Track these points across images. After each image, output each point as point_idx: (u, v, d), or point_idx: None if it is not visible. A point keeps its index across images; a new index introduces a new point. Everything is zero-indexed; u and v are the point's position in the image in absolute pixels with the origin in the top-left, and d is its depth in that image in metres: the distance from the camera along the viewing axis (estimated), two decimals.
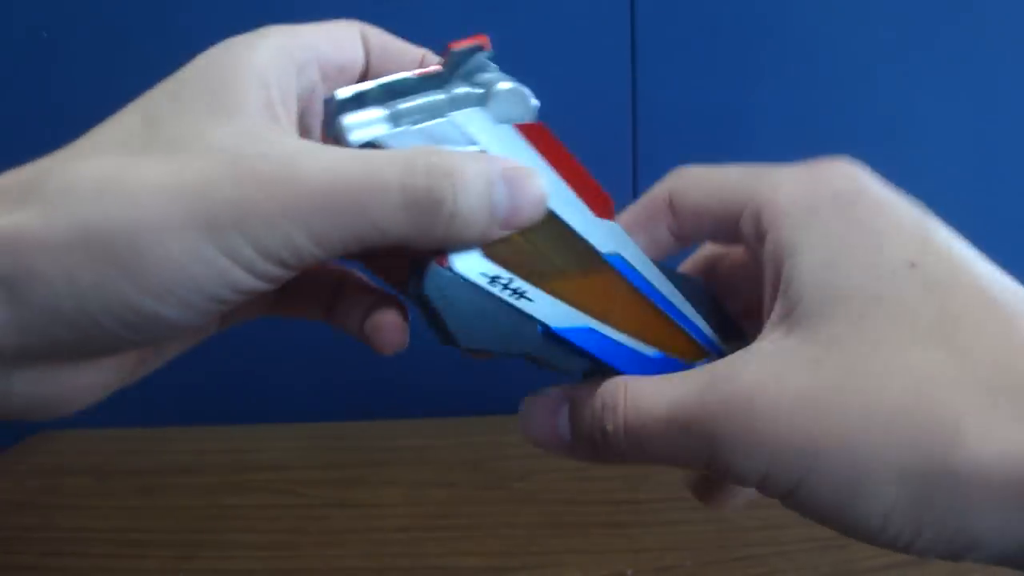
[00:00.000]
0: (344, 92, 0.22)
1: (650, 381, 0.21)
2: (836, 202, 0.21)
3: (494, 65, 0.23)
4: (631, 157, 0.62)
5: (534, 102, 0.23)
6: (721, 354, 0.23)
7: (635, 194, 0.69)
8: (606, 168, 0.71)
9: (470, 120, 0.22)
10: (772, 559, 0.44)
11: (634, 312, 0.23)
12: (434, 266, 0.21)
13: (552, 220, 0.22)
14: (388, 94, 0.22)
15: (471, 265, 0.21)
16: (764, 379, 0.18)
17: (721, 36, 0.61)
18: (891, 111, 0.63)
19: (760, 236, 0.21)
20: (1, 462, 0.64)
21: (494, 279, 0.21)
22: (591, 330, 0.22)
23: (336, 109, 0.22)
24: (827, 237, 0.20)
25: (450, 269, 0.20)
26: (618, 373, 0.23)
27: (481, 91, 0.22)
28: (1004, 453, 0.15)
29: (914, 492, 0.16)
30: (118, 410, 0.70)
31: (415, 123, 0.22)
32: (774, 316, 0.20)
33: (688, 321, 0.23)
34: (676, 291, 0.23)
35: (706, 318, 0.23)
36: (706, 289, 0.24)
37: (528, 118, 0.23)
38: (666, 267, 0.23)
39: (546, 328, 0.22)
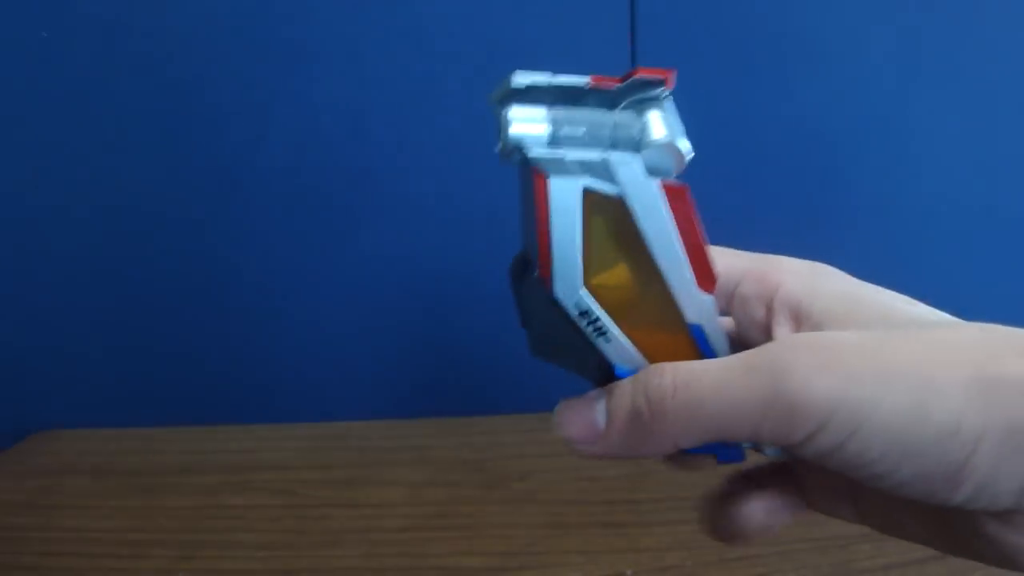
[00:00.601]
0: (520, 78, 0.23)
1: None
2: (830, 269, 0.25)
3: (671, 102, 0.24)
4: None
5: (688, 157, 0.23)
6: None
7: None
8: None
9: (623, 166, 0.22)
10: (772, 559, 0.44)
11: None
12: (536, 276, 0.22)
13: (659, 280, 0.23)
14: (558, 93, 0.23)
15: (568, 294, 0.22)
16: (823, 335, 0.21)
17: (721, 36, 0.61)
18: (891, 111, 0.63)
19: (763, 294, 0.25)
20: (1, 462, 0.64)
21: (584, 313, 0.23)
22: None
23: (507, 94, 0.23)
24: (837, 285, 0.24)
25: (550, 286, 0.22)
26: None
27: (640, 127, 0.23)
28: None
29: (979, 395, 0.18)
30: (118, 410, 0.70)
31: (571, 141, 0.22)
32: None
33: None
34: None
35: None
36: None
37: (675, 170, 0.23)
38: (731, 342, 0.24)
39: (611, 367, 0.23)
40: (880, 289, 0.24)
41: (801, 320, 0.24)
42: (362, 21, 0.60)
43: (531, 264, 0.22)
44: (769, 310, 0.25)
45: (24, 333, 0.68)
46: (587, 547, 0.46)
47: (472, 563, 0.46)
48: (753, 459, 0.26)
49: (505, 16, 0.60)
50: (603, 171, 0.22)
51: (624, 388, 0.22)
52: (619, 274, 0.23)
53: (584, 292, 0.22)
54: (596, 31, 0.60)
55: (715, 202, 0.74)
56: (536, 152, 0.22)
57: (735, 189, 0.63)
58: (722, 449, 0.24)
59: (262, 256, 0.65)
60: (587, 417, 0.23)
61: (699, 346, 0.24)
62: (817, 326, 0.23)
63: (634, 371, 0.23)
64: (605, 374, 0.23)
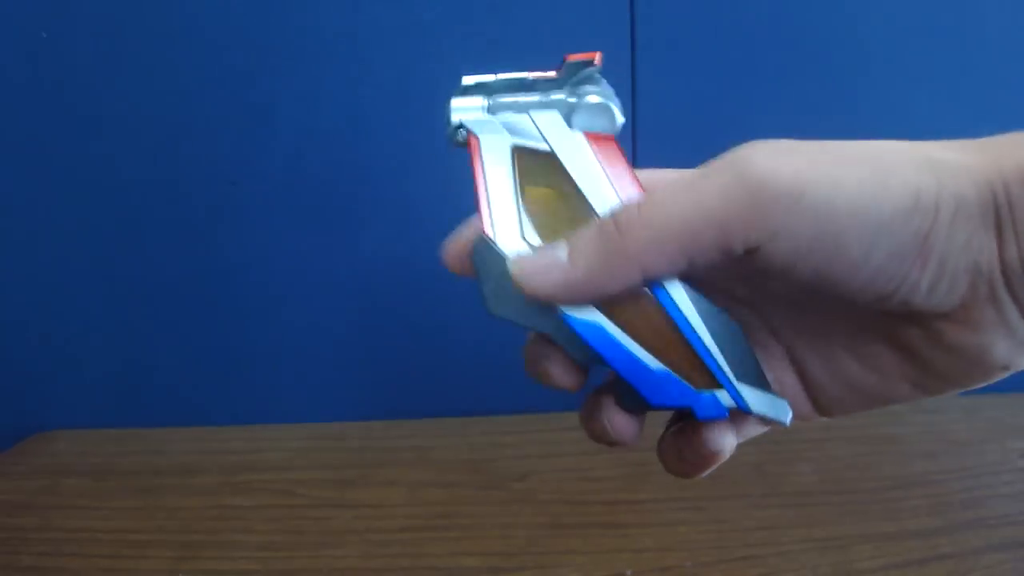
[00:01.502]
0: (469, 79, 0.26)
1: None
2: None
3: (603, 79, 0.26)
4: (631, 157, 0.62)
5: (620, 119, 0.25)
6: (731, 388, 0.23)
7: None
8: None
9: (546, 121, 0.25)
10: (772, 559, 0.44)
11: (651, 325, 0.23)
12: (480, 236, 0.24)
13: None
14: (506, 87, 0.26)
15: (511, 243, 0.23)
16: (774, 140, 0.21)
17: (721, 36, 0.61)
18: (891, 111, 0.63)
19: None
20: (1, 462, 0.64)
21: None
22: (601, 328, 0.23)
23: (456, 91, 0.26)
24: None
25: (491, 241, 0.24)
26: (619, 377, 0.23)
27: (574, 100, 0.25)
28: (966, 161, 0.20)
29: (929, 172, 0.20)
30: (118, 410, 0.70)
31: (505, 111, 0.25)
32: None
33: (705, 350, 0.23)
34: (701, 321, 0.23)
35: (726, 355, 0.23)
36: (739, 331, 0.24)
37: (611, 129, 0.25)
38: (701, 298, 0.23)
39: (561, 314, 0.23)
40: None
41: None
42: (362, 21, 0.60)
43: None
44: None
45: (24, 333, 0.68)
46: (587, 547, 0.46)
47: (472, 563, 0.46)
48: None
49: (505, 16, 0.60)
50: (531, 131, 0.25)
51: (587, 229, 0.22)
52: (559, 222, 0.24)
53: (524, 241, 0.24)
54: (596, 31, 0.60)
55: None
56: (468, 120, 0.25)
57: None
58: (698, 400, 0.23)
59: (262, 256, 0.65)
60: (545, 255, 0.22)
61: (653, 292, 0.23)
62: None
63: (584, 320, 0.23)
64: (554, 323, 0.23)
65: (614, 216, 0.22)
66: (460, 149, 0.26)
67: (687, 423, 0.25)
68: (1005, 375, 0.22)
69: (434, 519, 0.51)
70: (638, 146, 0.62)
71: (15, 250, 0.66)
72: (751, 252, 0.20)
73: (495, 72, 0.26)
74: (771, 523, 0.48)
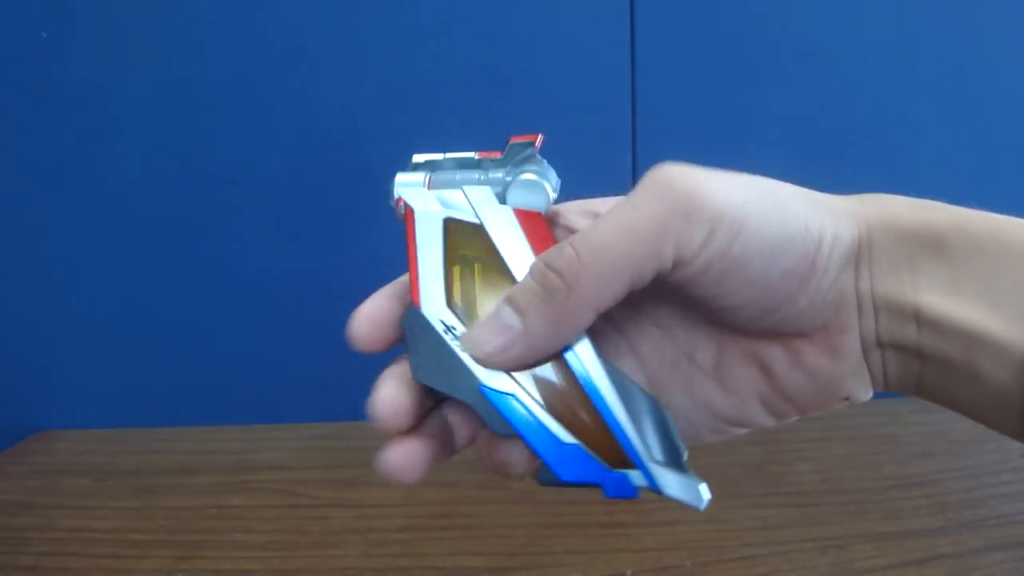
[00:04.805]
0: (419, 157, 0.28)
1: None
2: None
3: (543, 160, 0.27)
4: (631, 157, 0.62)
5: (552, 195, 0.26)
6: (644, 469, 0.23)
7: None
8: (606, 169, 0.71)
9: (476, 195, 0.26)
10: (771, 559, 0.44)
11: (566, 399, 0.23)
12: (411, 305, 0.25)
13: None
14: (452, 165, 0.27)
15: (434, 312, 0.24)
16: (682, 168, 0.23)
17: (721, 36, 0.61)
18: (890, 111, 0.63)
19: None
20: (1, 462, 0.64)
21: (449, 328, 0.24)
22: (515, 399, 0.23)
23: (407, 167, 0.28)
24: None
25: (419, 310, 0.24)
26: (530, 449, 0.24)
27: (510, 177, 0.26)
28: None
29: (815, 210, 0.23)
30: (118, 410, 0.70)
31: (444, 186, 0.27)
32: None
33: (618, 427, 0.23)
34: (617, 397, 0.23)
35: (640, 432, 0.23)
36: (656, 408, 0.24)
37: (543, 207, 0.26)
38: (620, 376, 0.24)
39: (478, 384, 0.23)
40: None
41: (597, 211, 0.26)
42: (362, 21, 0.60)
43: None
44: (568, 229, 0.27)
45: (24, 333, 0.68)
46: (587, 547, 0.46)
47: (472, 563, 0.46)
48: None
49: (505, 16, 0.60)
50: (462, 205, 0.26)
51: (524, 282, 0.23)
52: (483, 293, 0.25)
53: (448, 310, 0.24)
54: (596, 31, 0.60)
55: None
56: (406, 193, 0.27)
57: None
58: (609, 479, 0.23)
59: (262, 255, 0.65)
60: (497, 325, 0.22)
61: (569, 366, 0.24)
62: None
63: (499, 391, 0.23)
64: (472, 391, 0.23)
65: (549, 265, 0.22)
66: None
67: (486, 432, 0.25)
68: (844, 406, 0.25)
69: (434, 519, 0.51)
70: (638, 146, 0.62)
71: (15, 250, 0.66)
72: (675, 268, 0.22)
73: (444, 152, 0.27)
74: (771, 523, 0.48)
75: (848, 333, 0.24)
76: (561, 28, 0.60)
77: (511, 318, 0.22)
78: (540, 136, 0.27)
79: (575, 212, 0.27)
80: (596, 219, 0.22)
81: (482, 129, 0.61)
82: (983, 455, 0.55)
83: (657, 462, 0.23)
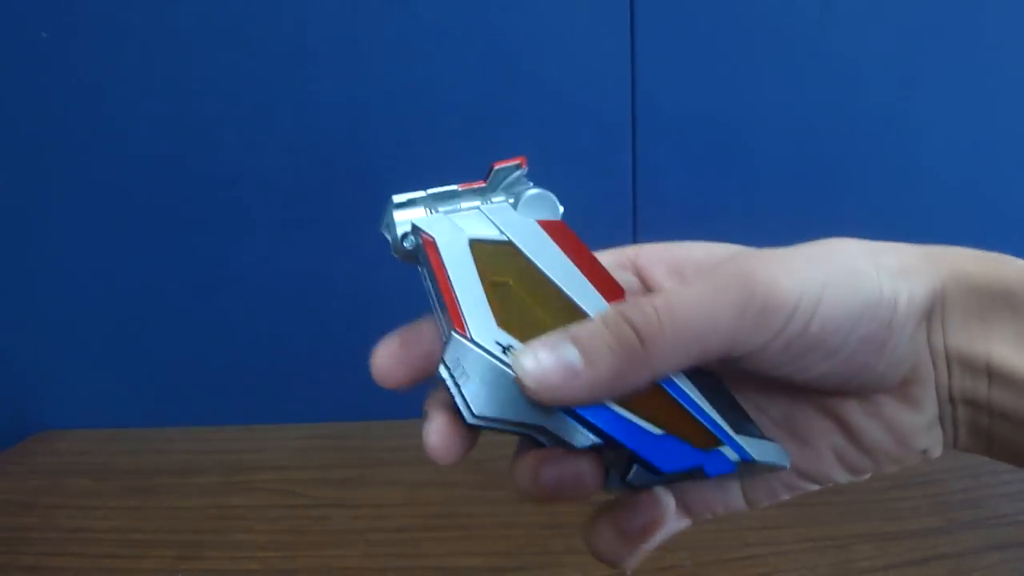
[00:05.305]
0: (399, 197, 0.26)
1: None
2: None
3: (529, 182, 0.26)
4: (631, 157, 0.62)
5: (560, 208, 0.26)
6: (732, 442, 0.23)
7: (635, 195, 0.69)
8: (606, 169, 0.71)
9: (498, 212, 0.25)
10: (771, 559, 0.44)
11: (642, 394, 0.23)
12: (454, 337, 0.22)
13: (567, 303, 0.24)
14: (434, 201, 0.26)
15: (486, 335, 0.23)
16: (755, 252, 0.24)
17: (721, 37, 0.61)
18: (890, 112, 0.63)
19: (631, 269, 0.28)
20: (1, 462, 0.64)
21: (506, 348, 0.22)
22: (604, 407, 0.22)
23: (391, 207, 0.26)
24: (685, 245, 0.28)
25: (466, 337, 0.22)
26: (625, 449, 0.23)
27: (513, 200, 0.26)
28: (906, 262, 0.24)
29: (885, 274, 0.23)
30: (118, 410, 0.70)
31: (449, 211, 0.26)
32: None
33: (699, 409, 0.23)
34: (688, 380, 0.24)
35: (718, 409, 0.24)
36: (719, 382, 0.24)
37: (556, 217, 0.26)
38: None
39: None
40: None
41: (682, 271, 0.27)
42: (362, 21, 0.60)
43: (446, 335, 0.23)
44: (645, 279, 0.28)
45: (24, 333, 0.68)
46: (587, 547, 0.46)
47: (472, 563, 0.46)
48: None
49: (505, 16, 0.60)
50: (483, 223, 0.25)
51: (593, 327, 0.22)
52: (529, 306, 0.24)
53: (500, 329, 0.23)
54: (596, 31, 0.60)
55: (714, 202, 0.74)
56: (420, 222, 0.25)
57: (734, 189, 0.63)
58: (707, 459, 0.23)
59: (262, 256, 0.65)
60: (557, 361, 0.21)
61: None
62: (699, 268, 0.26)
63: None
64: (544, 411, 0.22)
65: (630, 322, 0.22)
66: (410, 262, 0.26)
67: (613, 501, 0.25)
68: (919, 460, 0.25)
69: (434, 519, 0.51)
70: (637, 147, 0.62)
71: (15, 250, 0.66)
72: (750, 355, 0.22)
73: (424, 189, 0.26)
74: (771, 523, 0.48)
75: (925, 385, 0.24)
76: (561, 28, 0.60)
77: (575, 358, 0.21)
78: (524, 158, 0.26)
79: (655, 258, 0.27)
80: (680, 286, 0.23)
81: (482, 129, 0.61)
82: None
83: (740, 434, 0.23)
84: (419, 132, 0.62)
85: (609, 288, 0.24)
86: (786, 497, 0.27)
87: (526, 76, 0.61)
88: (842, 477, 0.26)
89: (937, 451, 0.25)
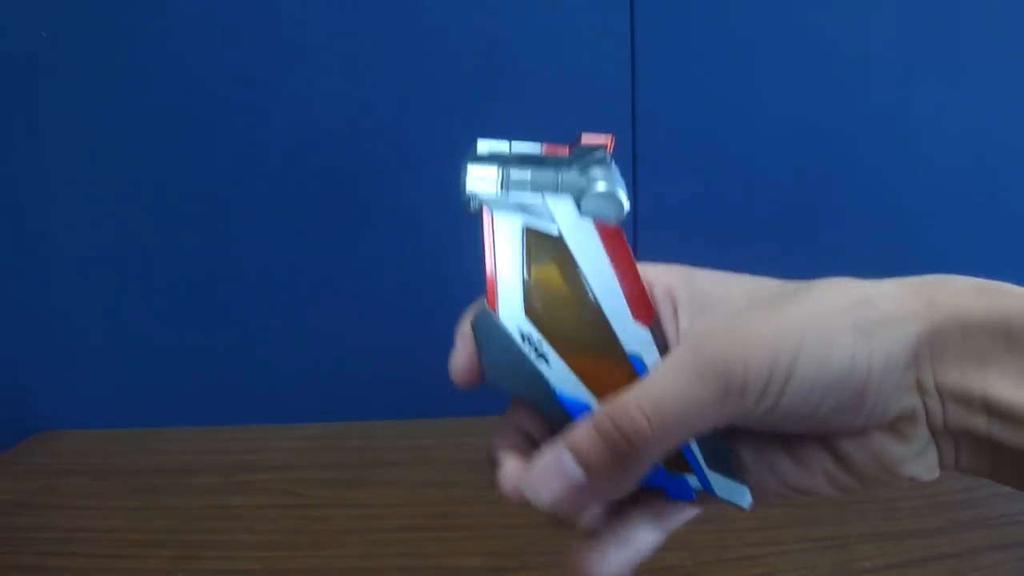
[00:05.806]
0: (483, 144, 0.27)
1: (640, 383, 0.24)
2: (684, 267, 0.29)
3: (612, 163, 0.27)
4: (631, 157, 0.62)
5: (626, 207, 0.26)
6: (700, 473, 0.25)
7: (635, 195, 0.69)
8: None
9: (559, 206, 0.26)
10: (771, 559, 0.44)
11: None
12: (485, 306, 0.25)
13: (596, 310, 0.26)
14: (516, 159, 0.27)
15: (511, 319, 0.25)
16: (734, 319, 0.25)
17: (721, 37, 0.61)
18: (890, 111, 0.63)
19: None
20: (1, 462, 0.64)
21: (526, 337, 0.25)
22: (589, 408, 0.25)
23: (470, 156, 0.27)
24: (699, 272, 0.28)
25: (495, 314, 0.25)
26: None
27: (585, 181, 0.26)
28: (897, 308, 0.24)
29: (862, 337, 0.23)
30: (118, 410, 0.70)
31: (519, 187, 0.26)
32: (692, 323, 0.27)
33: None
34: None
35: (698, 440, 0.25)
36: None
37: (615, 218, 0.26)
38: None
39: (551, 391, 0.25)
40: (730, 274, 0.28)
41: (694, 308, 0.27)
42: (362, 21, 0.60)
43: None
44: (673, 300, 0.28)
45: (24, 333, 0.68)
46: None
47: (472, 563, 0.46)
48: None
49: (505, 16, 0.60)
50: (543, 212, 0.26)
51: (587, 434, 0.23)
52: (560, 304, 0.26)
53: (526, 318, 0.25)
54: (596, 31, 0.60)
55: (714, 201, 0.74)
56: (484, 194, 0.26)
57: (734, 189, 0.63)
58: (670, 482, 0.25)
59: (262, 256, 0.65)
60: (556, 471, 0.24)
61: (639, 375, 0.25)
62: (703, 306, 0.27)
63: (573, 398, 0.25)
64: (546, 398, 0.25)
65: (618, 427, 0.23)
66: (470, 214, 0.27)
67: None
68: (906, 485, 0.25)
69: (434, 519, 0.51)
70: (638, 146, 0.62)
71: (16, 250, 0.66)
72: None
73: (509, 140, 0.27)
74: (771, 523, 0.48)
75: (915, 422, 0.24)
76: (561, 28, 0.60)
77: (573, 469, 0.23)
78: (611, 138, 0.26)
79: (680, 284, 0.28)
80: (662, 375, 0.23)
81: (482, 129, 0.61)
82: None
83: (710, 466, 0.25)
84: (419, 132, 0.62)
85: (641, 306, 0.26)
86: (775, 499, 0.28)
87: (526, 76, 0.61)
88: (831, 492, 0.27)
89: (926, 477, 0.25)
